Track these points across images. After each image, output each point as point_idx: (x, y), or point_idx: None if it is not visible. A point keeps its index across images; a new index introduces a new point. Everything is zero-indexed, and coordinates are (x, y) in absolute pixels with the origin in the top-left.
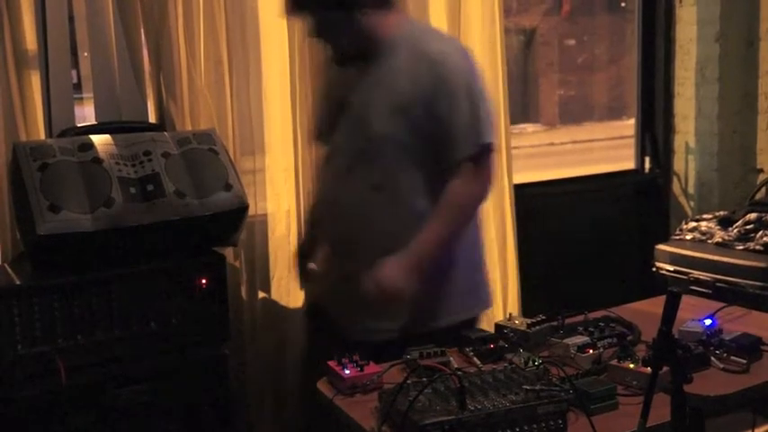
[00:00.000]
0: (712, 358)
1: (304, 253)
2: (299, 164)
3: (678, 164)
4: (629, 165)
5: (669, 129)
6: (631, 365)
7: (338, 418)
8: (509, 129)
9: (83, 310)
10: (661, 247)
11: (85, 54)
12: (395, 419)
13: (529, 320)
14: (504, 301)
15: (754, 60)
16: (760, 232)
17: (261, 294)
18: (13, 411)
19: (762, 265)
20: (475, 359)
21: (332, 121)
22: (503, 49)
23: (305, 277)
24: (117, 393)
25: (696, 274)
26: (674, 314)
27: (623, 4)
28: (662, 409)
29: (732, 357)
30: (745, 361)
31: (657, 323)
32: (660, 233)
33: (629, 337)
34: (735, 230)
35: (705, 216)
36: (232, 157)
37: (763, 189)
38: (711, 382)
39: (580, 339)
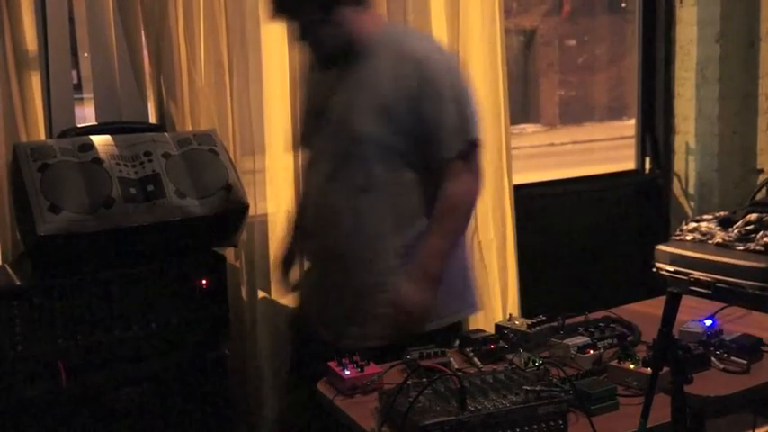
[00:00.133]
0: (712, 359)
1: (287, 261)
2: (299, 164)
3: (678, 164)
4: (630, 165)
5: (669, 129)
6: (632, 366)
7: (338, 418)
8: (509, 129)
9: (83, 310)
10: (661, 247)
11: (86, 55)
12: (395, 420)
13: (529, 321)
14: (503, 301)
15: (754, 61)
16: (760, 233)
17: (261, 294)
18: (13, 411)
19: (762, 265)
20: (475, 359)
21: (315, 125)
22: (503, 49)
23: (287, 287)
24: (117, 394)
25: (696, 274)
26: (674, 315)
27: (623, 5)
28: (662, 410)
29: (732, 358)
30: (745, 361)
31: (658, 324)
32: (660, 234)
33: (630, 338)
34: (735, 231)
35: (705, 217)
36: (232, 157)
37: (764, 189)
38: (712, 383)
39: (580, 340)
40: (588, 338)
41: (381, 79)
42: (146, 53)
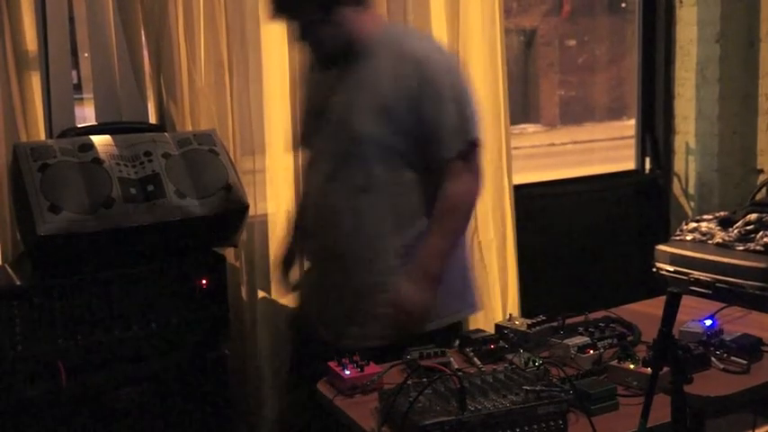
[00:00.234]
0: (712, 359)
1: (287, 261)
2: (300, 164)
3: (678, 164)
4: (630, 165)
5: (669, 129)
6: (632, 366)
7: (338, 418)
8: (509, 129)
9: (83, 310)
10: (661, 247)
11: (86, 55)
12: (395, 420)
13: (529, 321)
14: (503, 301)
15: (754, 61)
16: (760, 233)
17: (261, 294)
18: (13, 411)
19: (762, 265)
20: (475, 359)
21: (314, 125)
22: (503, 49)
23: (287, 288)
24: (117, 394)
25: (696, 274)
26: (674, 315)
27: (624, 5)
28: (662, 410)
29: (732, 358)
30: (745, 362)
31: (658, 324)
32: (660, 234)
33: (630, 338)
34: (735, 231)
35: (705, 217)
36: (232, 157)
37: (764, 190)
38: (712, 383)
39: (580, 340)
40: (588, 338)
41: (381, 79)
42: (146, 53)
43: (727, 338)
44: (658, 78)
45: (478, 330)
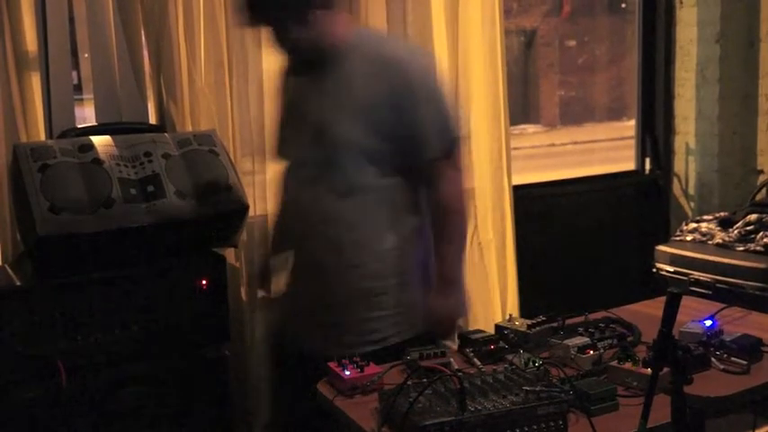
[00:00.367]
0: (713, 359)
1: (263, 275)
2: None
3: (678, 165)
4: (630, 166)
5: (669, 130)
6: (632, 366)
7: (338, 418)
8: (509, 130)
9: (83, 311)
10: (661, 248)
11: (86, 55)
12: (395, 420)
13: (529, 321)
14: (503, 302)
15: (754, 61)
16: (760, 233)
17: (261, 294)
18: (13, 412)
19: (762, 266)
20: (475, 360)
21: (291, 133)
22: (503, 50)
23: (267, 300)
24: (117, 394)
25: (696, 275)
26: (674, 315)
27: (624, 5)
28: (662, 410)
29: (732, 358)
30: (745, 362)
31: (658, 324)
32: (660, 234)
33: (630, 338)
34: (735, 231)
35: (705, 217)
36: (232, 158)
37: (764, 190)
38: (712, 384)
39: (580, 340)
40: (588, 339)
41: (358, 83)
42: (146, 53)
43: (728, 339)
44: (658, 79)
45: (478, 331)
